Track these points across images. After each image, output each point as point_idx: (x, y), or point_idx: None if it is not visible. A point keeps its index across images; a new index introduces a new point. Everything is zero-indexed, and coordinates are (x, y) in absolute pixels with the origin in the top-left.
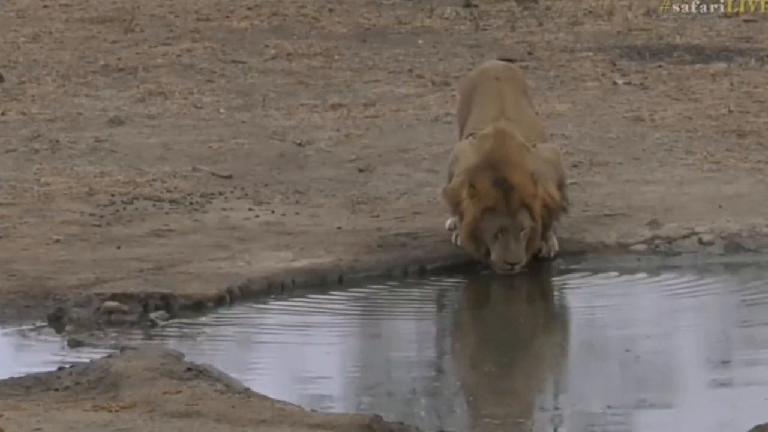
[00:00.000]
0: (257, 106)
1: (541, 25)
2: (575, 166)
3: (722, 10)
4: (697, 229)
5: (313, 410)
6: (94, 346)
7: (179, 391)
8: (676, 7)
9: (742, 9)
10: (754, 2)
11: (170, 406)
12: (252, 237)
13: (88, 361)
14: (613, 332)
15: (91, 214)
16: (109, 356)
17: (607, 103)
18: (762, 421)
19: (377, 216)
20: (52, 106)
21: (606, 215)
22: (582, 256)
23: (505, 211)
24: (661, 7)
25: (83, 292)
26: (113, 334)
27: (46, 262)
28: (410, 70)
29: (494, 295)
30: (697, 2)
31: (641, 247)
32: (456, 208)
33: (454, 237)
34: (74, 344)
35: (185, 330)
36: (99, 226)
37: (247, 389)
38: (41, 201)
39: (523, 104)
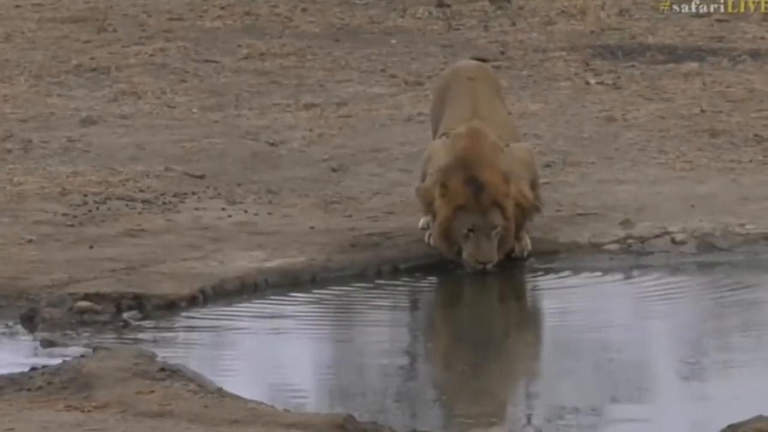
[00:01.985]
0: (230, 106)
1: (514, 24)
2: (548, 165)
3: (722, 10)
4: (670, 229)
5: (286, 410)
6: (67, 346)
7: (152, 391)
8: (676, 7)
9: (742, 9)
10: (754, 3)
11: (143, 406)
12: (225, 237)
13: (60, 361)
14: (585, 332)
15: (64, 214)
16: (82, 356)
17: (580, 102)
18: (734, 420)
19: (350, 216)
20: (24, 106)
21: (579, 215)
22: (555, 255)
23: (476, 209)
24: (662, 7)
25: (56, 292)
26: (86, 334)
27: (18, 262)
28: (383, 70)
29: (467, 295)
30: (697, 2)
31: (614, 246)
32: (429, 207)
33: (427, 236)
34: (47, 344)
35: (158, 330)
36: (72, 226)
37: (220, 389)
38: (14, 201)
39: (496, 104)
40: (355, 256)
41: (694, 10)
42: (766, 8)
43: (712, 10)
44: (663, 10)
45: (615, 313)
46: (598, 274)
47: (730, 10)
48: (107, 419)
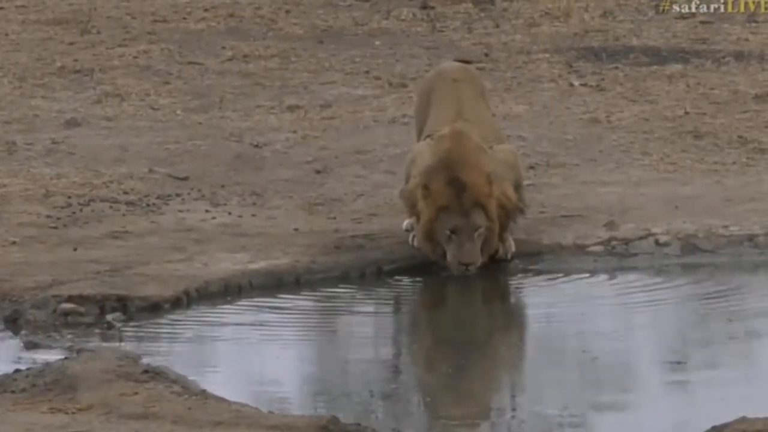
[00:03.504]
0: (214, 108)
1: (497, 26)
2: (532, 167)
3: (723, 9)
4: (654, 230)
5: (270, 412)
6: (51, 347)
7: (136, 393)
8: (676, 7)
9: (742, 9)
10: (754, 2)
11: (127, 408)
12: (209, 239)
13: (44, 363)
14: (569, 333)
15: (48, 216)
16: (66, 358)
17: (564, 104)
18: (718, 422)
19: (334, 217)
20: (8, 108)
21: (563, 216)
22: (539, 257)
23: (458, 210)
24: (662, 7)
25: (40, 294)
26: (70, 336)
27: (2, 264)
28: (367, 72)
29: (451, 296)
30: (698, 2)
31: (598, 248)
32: (413, 209)
33: (411, 238)
34: (31, 346)
35: (142, 332)
36: (56, 228)
37: (204, 391)
38: None
39: (480, 106)
40: (339, 257)
41: (694, 9)
42: (766, 8)
43: (712, 9)
44: (664, 9)
45: (598, 315)
46: (582, 275)
47: (730, 9)
48: (91, 421)
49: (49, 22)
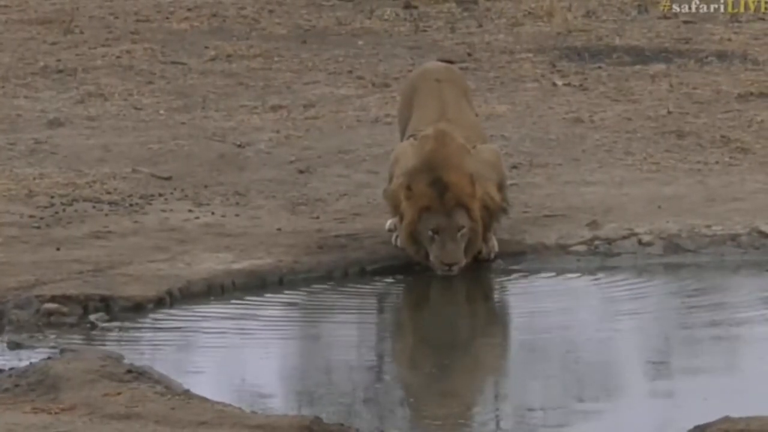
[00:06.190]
0: (197, 108)
1: (480, 26)
2: (515, 167)
3: (722, 10)
4: (637, 230)
5: (253, 412)
6: (34, 348)
7: (119, 393)
8: (676, 7)
9: (742, 9)
10: (754, 2)
11: (110, 408)
12: (192, 239)
13: (27, 363)
14: (552, 333)
15: (31, 216)
16: (49, 358)
17: (547, 104)
18: (701, 422)
19: (317, 217)
20: None
21: (546, 216)
22: (522, 257)
23: (440, 210)
24: (661, 8)
25: (23, 294)
26: (53, 336)
27: None
28: (350, 72)
29: (434, 297)
30: (697, 2)
31: (581, 248)
32: (396, 209)
33: (394, 238)
34: (13, 346)
35: (125, 332)
36: (38, 227)
37: (187, 391)
38: None
39: (463, 105)
40: (322, 257)
41: (694, 9)
42: (765, 8)
43: (712, 10)
44: (663, 10)
45: (582, 314)
46: (565, 275)
47: (730, 10)
48: (74, 421)
49: (31, 22)
